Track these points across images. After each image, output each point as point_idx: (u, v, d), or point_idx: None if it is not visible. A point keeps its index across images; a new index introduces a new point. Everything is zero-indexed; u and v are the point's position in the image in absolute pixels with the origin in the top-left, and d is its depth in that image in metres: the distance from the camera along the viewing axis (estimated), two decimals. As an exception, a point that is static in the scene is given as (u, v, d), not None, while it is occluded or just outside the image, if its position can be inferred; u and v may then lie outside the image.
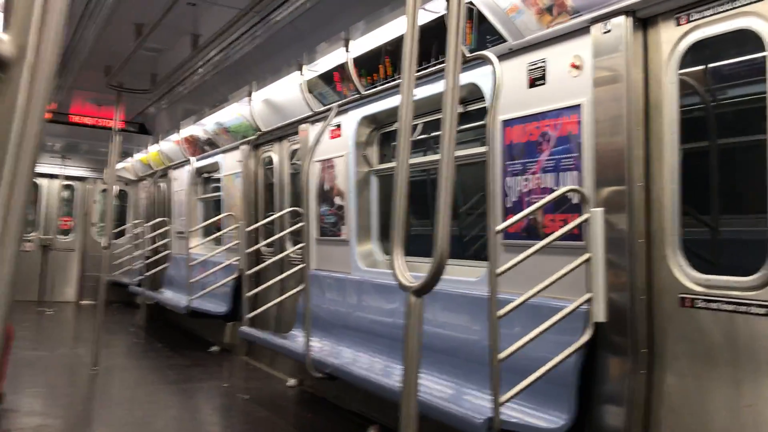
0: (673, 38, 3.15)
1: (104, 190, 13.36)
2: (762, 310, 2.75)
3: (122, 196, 13.72)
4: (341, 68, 5.29)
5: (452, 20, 2.23)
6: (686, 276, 3.06)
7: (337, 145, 5.81)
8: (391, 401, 4.13)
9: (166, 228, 10.62)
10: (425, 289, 2.02)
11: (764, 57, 2.82)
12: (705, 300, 2.96)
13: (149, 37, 5.70)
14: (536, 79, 3.73)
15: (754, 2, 2.82)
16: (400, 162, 2.16)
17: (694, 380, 3.01)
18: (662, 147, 3.18)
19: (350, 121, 5.64)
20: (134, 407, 5.80)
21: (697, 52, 3.16)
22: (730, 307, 2.86)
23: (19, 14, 0.56)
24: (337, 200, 5.83)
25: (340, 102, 5.44)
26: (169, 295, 9.43)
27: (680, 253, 3.11)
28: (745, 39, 2.94)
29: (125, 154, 11.94)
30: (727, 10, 2.93)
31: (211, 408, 6.03)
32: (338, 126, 5.78)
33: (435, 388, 3.91)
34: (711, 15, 3.00)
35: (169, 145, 10.07)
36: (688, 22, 3.08)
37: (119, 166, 12.29)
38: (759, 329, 2.76)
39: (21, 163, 0.57)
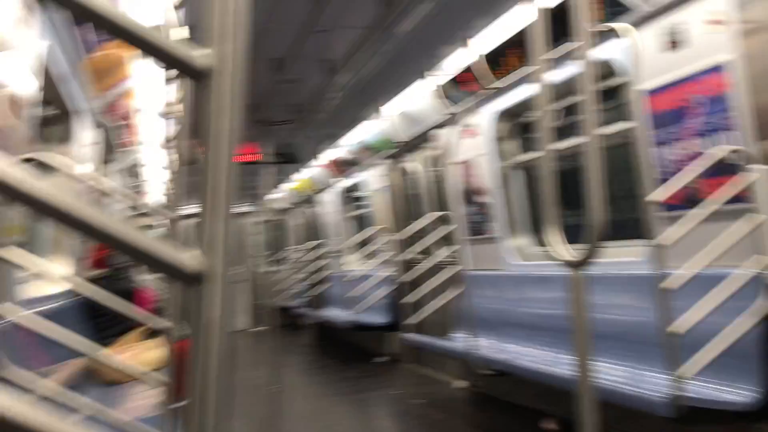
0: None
1: (266, 221, 14.20)
2: None
3: (279, 225, 14.50)
4: (468, 67, 5.34)
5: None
6: None
7: (474, 144, 5.84)
8: (563, 391, 4.08)
9: (324, 250, 11.12)
10: (585, 260, 2.02)
11: None
12: None
13: (287, 69, 6.06)
14: (674, 43, 3.57)
15: None
16: (545, 142, 2.18)
17: None
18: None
19: (485, 118, 5.66)
20: (315, 419, 6.11)
21: None
22: None
23: (217, 26, 0.68)
24: (482, 198, 5.86)
25: (471, 100, 5.48)
26: (333, 313, 9.85)
27: None
28: None
29: (277, 184, 12.64)
30: None
31: (386, 414, 6.23)
32: (474, 125, 5.82)
33: (610, 373, 3.81)
34: None
35: (317, 170, 10.56)
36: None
37: (273, 196, 13.04)
38: None
39: (223, 149, 0.68)
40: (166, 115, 3.17)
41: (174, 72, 3.16)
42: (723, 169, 3.34)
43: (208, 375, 0.71)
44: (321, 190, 11.04)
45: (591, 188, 2.00)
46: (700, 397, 3.09)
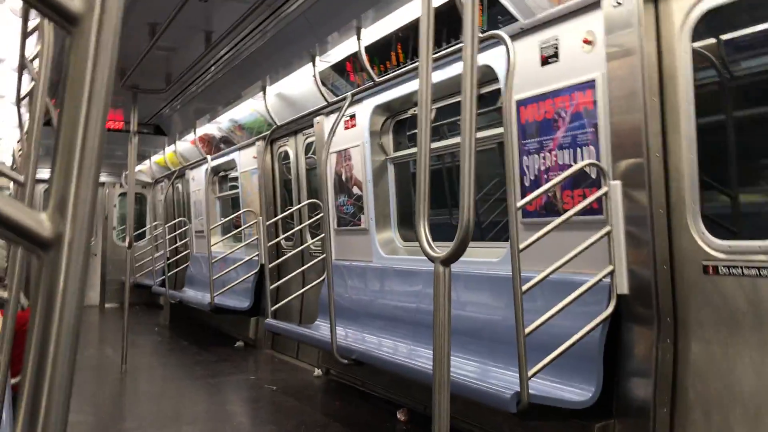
0: (684, 8, 3.15)
1: (123, 194, 13.50)
2: (785, 273, 2.77)
3: (140, 199, 13.84)
4: (354, 58, 5.33)
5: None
6: (708, 244, 3.08)
7: (352, 135, 5.85)
8: (417, 383, 4.18)
9: (186, 228, 10.73)
10: (453, 257, 2.07)
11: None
12: (728, 266, 2.97)
13: (162, 36, 5.77)
14: (549, 57, 3.74)
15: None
16: (422, 140, 2.21)
17: (719, 347, 3.02)
18: (678, 119, 3.19)
19: (364, 110, 5.68)
20: (163, 402, 5.90)
21: (710, 22, 3.16)
22: (753, 272, 2.87)
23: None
24: (355, 190, 5.88)
25: (354, 91, 5.48)
26: (192, 294, 9.54)
27: (701, 221, 3.12)
28: (760, 6, 2.94)
29: (141, 157, 12.05)
30: (739, -24, 2.94)
31: (240, 400, 6.11)
32: (353, 116, 5.82)
33: (461, 368, 3.95)
34: (722, -18, 3.00)
35: (185, 145, 10.16)
36: (699, -10, 3.09)
37: (136, 168, 12.42)
38: (783, 292, 2.78)
39: (94, 107, 0.62)
40: (23, 68, 2.91)
41: (36, 20, 2.91)
42: (582, 182, 3.55)
43: (47, 351, 0.64)
44: (189, 167, 10.64)
45: (463, 188, 2.05)
46: (543, 395, 3.27)
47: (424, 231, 2.18)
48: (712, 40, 3.26)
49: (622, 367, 3.32)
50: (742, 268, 2.92)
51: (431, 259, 2.15)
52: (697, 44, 3.17)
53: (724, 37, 3.29)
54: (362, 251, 5.80)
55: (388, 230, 5.71)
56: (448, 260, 2.09)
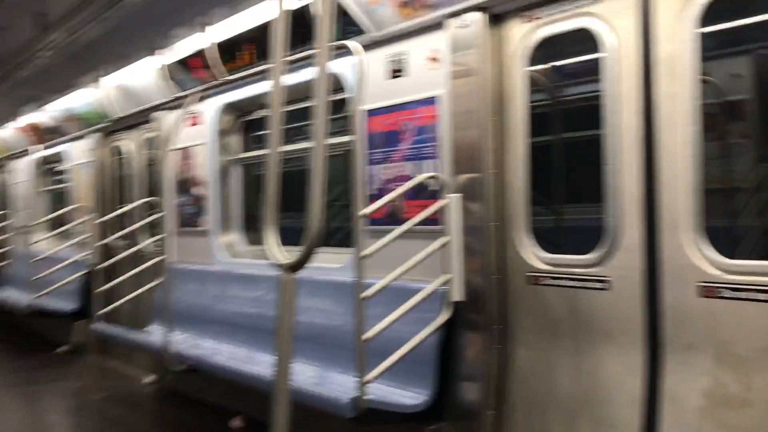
0: (522, 35, 3.38)
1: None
2: (599, 285, 3.04)
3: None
4: (201, 54, 5.17)
5: (323, 5, 2.27)
6: (534, 256, 3.30)
7: (196, 133, 5.67)
8: (255, 390, 4.12)
9: (6, 223, 9.84)
10: (299, 264, 2.06)
11: (601, 57, 3.09)
12: (550, 277, 3.21)
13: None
14: (397, 71, 3.85)
15: (592, 4, 3.10)
16: (273, 143, 2.18)
17: (541, 352, 3.26)
18: (513, 138, 3.40)
19: (211, 108, 5.52)
20: (-29, 414, 5.35)
21: (545, 50, 3.41)
22: (572, 283, 3.13)
23: None
24: (197, 190, 5.69)
25: (200, 88, 5.31)
26: (11, 295, 8.75)
27: (528, 235, 3.35)
28: (585, 39, 3.21)
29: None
30: (569, 10, 3.19)
31: (61, 410, 5.69)
32: (198, 113, 5.64)
33: (301, 373, 3.94)
34: (554, 14, 3.25)
35: (9, 132, 9.33)
36: (535, 19, 3.32)
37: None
38: (597, 302, 3.04)
39: None
40: None
41: None
42: (424, 193, 3.68)
43: None
44: (12, 156, 9.78)
45: (313, 194, 2.04)
46: (380, 400, 3.34)
47: (271, 236, 2.15)
48: (545, 67, 3.52)
49: (455, 371, 3.47)
50: (562, 279, 3.16)
51: (277, 266, 2.13)
52: (532, 69, 3.40)
53: (556, 64, 3.57)
54: (203, 254, 5.63)
55: (231, 233, 5.58)
56: (294, 267, 2.08)
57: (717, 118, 2.85)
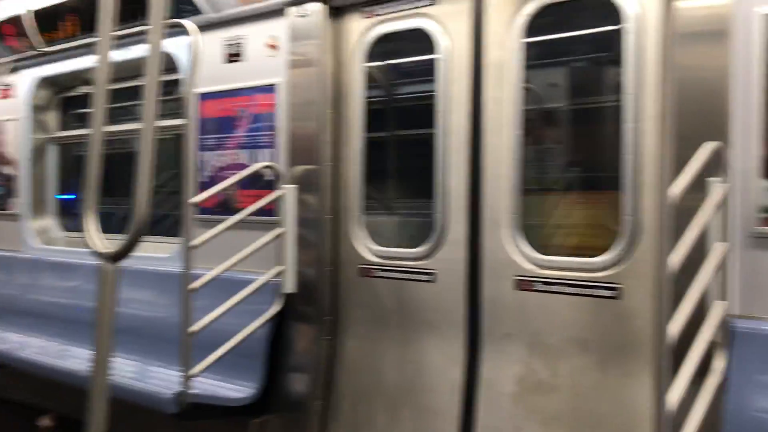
0: (361, 30, 3.42)
1: None
2: (426, 277, 3.16)
3: None
4: (16, 20, 4.70)
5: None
6: (366, 249, 3.37)
7: (7, 107, 5.16)
8: (69, 386, 3.83)
9: None
10: (122, 254, 1.93)
11: (435, 58, 3.20)
12: (381, 269, 3.29)
13: None
14: (233, 55, 3.75)
15: (429, 5, 3.20)
16: (96, 123, 2.02)
17: (370, 343, 3.33)
18: (350, 132, 3.44)
19: (25, 81, 5.05)
20: None
21: (385, 47, 3.47)
22: (401, 275, 3.22)
23: None
24: (7, 169, 5.19)
25: (11, 58, 4.84)
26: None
27: (362, 228, 3.40)
28: (422, 39, 3.31)
29: None
30: (406, 9, 3.28)
31: None
32: (10, 86, 5.14)
33: (120, 368, 3.72)
34: (393, 12, 3.32)
35: None
36: (374, 16, 3.37)
37: None
38: (422, 294, 3.16)
39: None
40: None
41: None
42: (259, 183, 3.61)
43: None
44: None
45: (139, 178, 1.92)
46: (207, 394, 3.25)
47: (91, 223, 2.00)
48: (383, 63, 3.59)
49: (285, 363, 3.45)
50: (392, 271, 3.26)
51: (97, 254, 1.98)
52: (370, 65, 3.45)
53: (393, 62, 3.65)
54: (11, 240, 5.14)
55: (46, 218, 5.15)
56: (116, 256, 1.95)
57: (536, 123, 3.06)
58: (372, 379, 3.30)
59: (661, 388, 1.79)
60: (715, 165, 2.27)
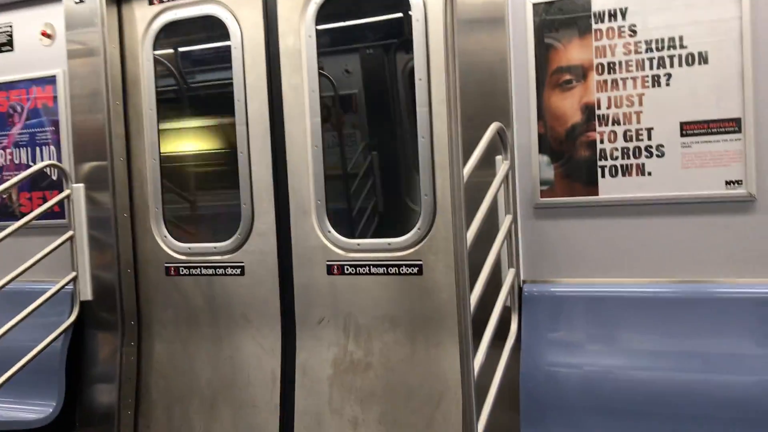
0: (147, 17, 3.23)
1: None
2: (235, 271, 3.09)
3: None
4: None
5: None
6: (169, 246, 3.22)
7: None
8: None
9: None
10: None
11: (229, 46, 3.12)
12: (187, 267, 3.17)
13: None
14: (3, 44, 3.39)
15: (219, -9, 3.10)
16: None
17: (180, 344, 3.20)
18: (142, 124, 3.25)
19: None
20: None
21: (174, 34, 3.31)
22: (210, 271, 3.13)
23: None
24: None
25: None
26: None
27: (163, 225, 3.24)
28: (216, 25, 3.20)
29: None
30: (194, -4, 3.15)
31: None
32: None
33: None
34: (180, -2, 3.18)
35: None
36: (159, 2, 3.21)
37: None
38: (233, 288, 3.10)
39: None
40: None
41: None
42: (42, 183, 3.31)
43: None
44: None
45: None
46: (0, 419, 2.95)
47: None
48: (173, 51, 3.42)
49: (87, 375, 3.22)
50: (200, 268, 3.15)
51: None
52: (159, 53, 3.28)
53: (185, 49, 3.49)
54: None
55: None
56: None
57: (333, 110, 3.10)
58: (185, 381, 3.17)
59: (464, 356, 1.90)
60: (500, 143, 2.45)
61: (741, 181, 2.33)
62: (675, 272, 2.44)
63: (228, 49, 3.12)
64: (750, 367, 2.29)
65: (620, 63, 2.46)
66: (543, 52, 2.55)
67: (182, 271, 3.19)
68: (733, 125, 2.34)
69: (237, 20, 3.08)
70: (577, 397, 2.45)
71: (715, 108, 2.35)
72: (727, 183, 2.36)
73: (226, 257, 3.12)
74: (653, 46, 2.42)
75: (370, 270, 2.89)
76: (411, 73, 2.81)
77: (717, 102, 2.35)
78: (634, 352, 2.47)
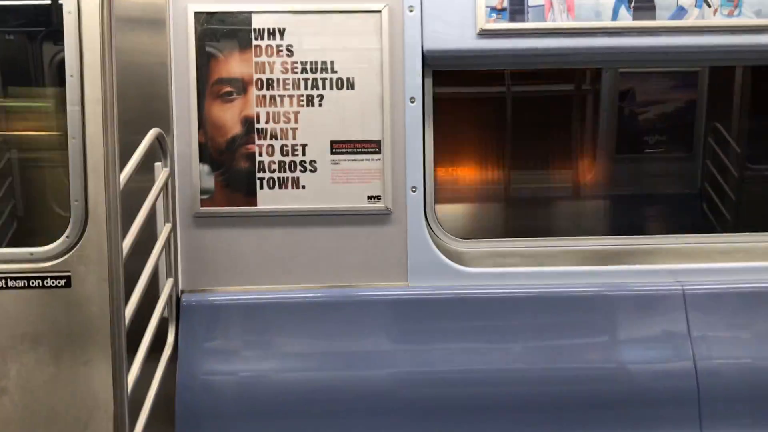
0: None
1: None
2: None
3: None
4: None
5: None
6: None
7: None
8: None
9: None
10: None
11: None
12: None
13: None
14: None
15: None
16: None
17: None
18: None
19: None
20: None
21: None
22: None
23: None
24: None
25: None
26: None
27: None
28: None
29: None
30: None
31: None
32: None
33: None
34: None
35: None
36: None
37: None
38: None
39: None
40: None
41: None
42: None
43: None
44: None
45: None
46: None
47: None
48: None
49: None
50: None
51: None
52: None
53: None
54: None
55: None
56: None
57: None
58: None
59: (117, 371, 1.81)
60: (160, 150, 2.39)
61: (380, 196, 2.64)
62: (323, 278, 2.65)
63: None
64: (384, 362, 2.59)
65: (278, 80, 2.59)
66: (205, 61, 2.56)
67: None
68: (374, 146, 2.63)
69: None
70: (232, 403, 2.50)
71: (360, 130, 2.62)
72: (369, 198, 2.64)
73: None
74: (308, 67, 2.60)
75: (6, 284, 2.57)
76: (60, 66, 2.59)
77: (362, 124, 2.62)
78: (286, 355, 2.61)
